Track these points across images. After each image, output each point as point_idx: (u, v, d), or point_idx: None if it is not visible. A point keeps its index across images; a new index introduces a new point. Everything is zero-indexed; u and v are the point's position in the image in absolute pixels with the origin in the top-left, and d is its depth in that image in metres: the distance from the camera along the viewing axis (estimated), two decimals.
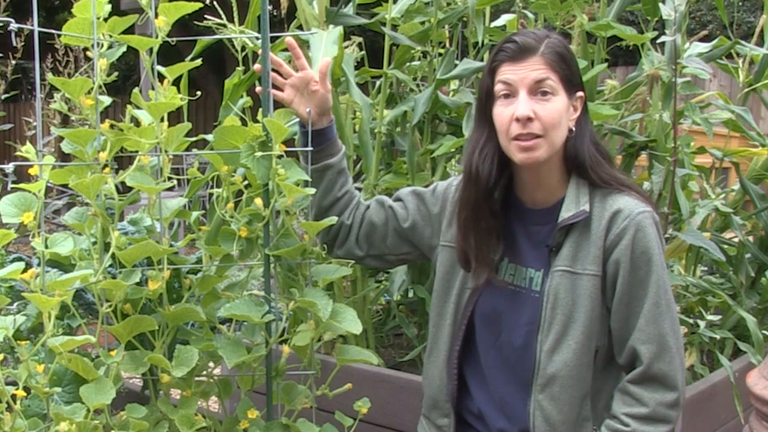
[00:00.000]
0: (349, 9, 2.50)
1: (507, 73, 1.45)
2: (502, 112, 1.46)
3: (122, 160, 1.72)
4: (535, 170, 1.50)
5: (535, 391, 1.48)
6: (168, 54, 1.68)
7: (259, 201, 1.61)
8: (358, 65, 2.65)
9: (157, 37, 1.57)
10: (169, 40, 1.58)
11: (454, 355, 1.58)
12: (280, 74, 1.65)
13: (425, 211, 1.66)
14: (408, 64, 2.82)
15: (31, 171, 1.47)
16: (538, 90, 1.43)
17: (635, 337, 1.43)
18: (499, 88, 1.46)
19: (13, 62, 3.55)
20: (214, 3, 2.27)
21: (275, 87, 1.64)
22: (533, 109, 1.42)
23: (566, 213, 1.46)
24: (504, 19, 2.88)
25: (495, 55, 1.48)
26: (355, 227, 1.70)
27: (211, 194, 1.81)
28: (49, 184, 1.67)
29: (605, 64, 2.54)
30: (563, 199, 1.49)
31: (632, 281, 1.43)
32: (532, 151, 1.44)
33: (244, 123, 1.65)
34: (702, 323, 2.38)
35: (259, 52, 1.63)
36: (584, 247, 1.46)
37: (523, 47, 1.44)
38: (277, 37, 2.42)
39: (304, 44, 2.37)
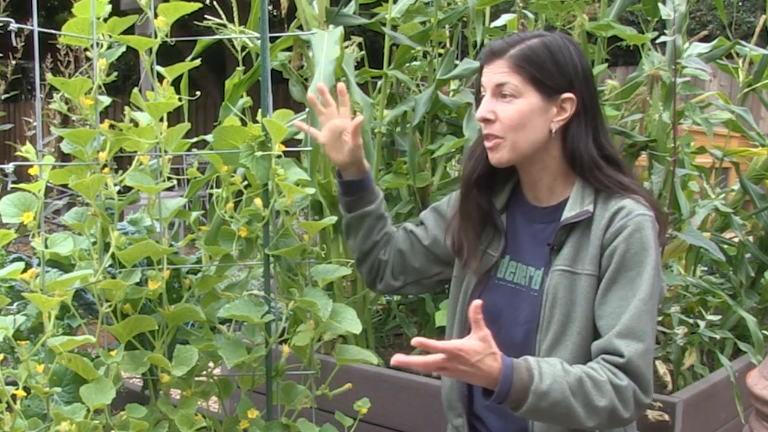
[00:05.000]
0: (349, 9, 2.50)
1: (482, 76, 1.51)
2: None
3: (122, 160, 1.72)
4: (524, 169, 1.53)
5: None
6: (168, 54, 1.68)
7: (258, 201, 1.61)
8: (358, 65, 2.65)
9: (156, 37, 1.57)
10: (169, 40, 1.58)
11: None
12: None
13: (443, 222, 1.67)
14: (408, 64, 2.83)
15: (31, 171, 1.47)
16: (499, 93, 1.47)
17: (617, 330, 1.39)
18: (480, 90, 1.52)
19: (13, 62, 3.55)
20: (214, 3, 2.27)
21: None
22: (494, 110, 1.47)
23: (569, 212, 1.47)
24: (504, 19, 2.89)
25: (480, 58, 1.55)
26: (390, 260, 1.72)
27: (211, 194, 1.81)
28: (49, 184, 1.67)
29: (605, 64, 2.54)
30: (567, 199, 1.49)
31: (622, 277, 1.41)
32: (494, 151, 1.49)
33: (243, 123, 1.65)
34: (702, 323, 2.38)
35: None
36: (585, 247, 1.46)
37: (492, 51, 1.49)
38: (277, 37, 2.42)
39: (305, 44, 2.38)
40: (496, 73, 1.46)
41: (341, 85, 1.63)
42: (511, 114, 1.45)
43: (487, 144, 1.49)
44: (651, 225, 1.43)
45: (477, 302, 1.27)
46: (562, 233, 1.48)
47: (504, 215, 1.58)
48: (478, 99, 1.53)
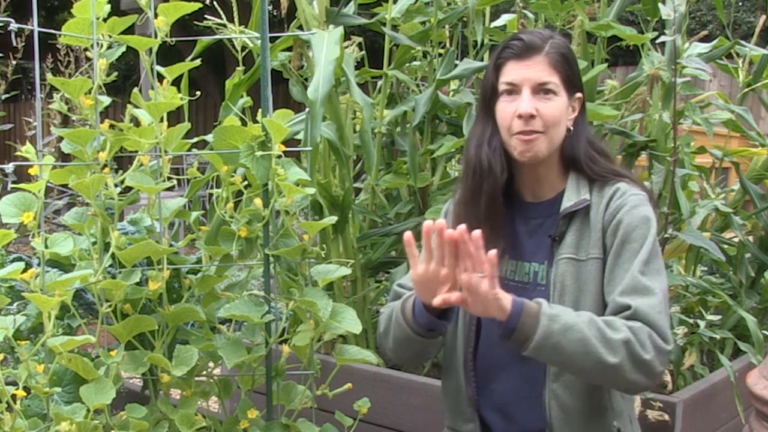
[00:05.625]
0: (349, 9, 2.50)
1: (512, 70, 1.49)
2: (504, 108, 1.50)
3: (122, 160, 1.72)
4: (534, 167, 1.53)
5: (548, 380, 1.48)
6: (168, 54, 1.68)
7: (258, 201, 1.61)
8: (358, 65, 2.65)
9: (156, 37, 1.57)
10: (169, 40, 1.59)
11: (469, 358, 1.57)
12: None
13: None
14: (408, 64, 2.83)
15: (31, 171, 1.47)
16: (541, 89, 1.47)
17: (619, 290, 1.39)
18: (503, 85, 1.50)
19: (13, 62, 3.55)
20: (214, 3, 2.27)
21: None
22: (536, 107, 1.46)
23: (568, 202, 1.50)
24: (504, 19, 2.89)
25: (501, 51, 1.52)
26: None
27: (211, 194, 1.81)
28: (49, 184, 1.67)
29: (605, 64, 2.54)
30: (564, 192, 1.52)
31: (626, 251, 1.43)
32: (532, 144, 1.47)
33: (243, 123, 1.65)
34: (702, 323, 2.38)
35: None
36: (586, 234, 1.48)
37: (529, 46, 1.48)
38: (277, 37, 2.42)
39: (305, 44, 2.38)
40: (538, 70, 1.47)
41: (462, 231, 1.30)
42: (553, 111, 1.47)
43: (525, 138, 1.47)
44: (647, 201, 1.48)
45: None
46: (563, 223, 1.50)
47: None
48: (494, 92, 1.51)
